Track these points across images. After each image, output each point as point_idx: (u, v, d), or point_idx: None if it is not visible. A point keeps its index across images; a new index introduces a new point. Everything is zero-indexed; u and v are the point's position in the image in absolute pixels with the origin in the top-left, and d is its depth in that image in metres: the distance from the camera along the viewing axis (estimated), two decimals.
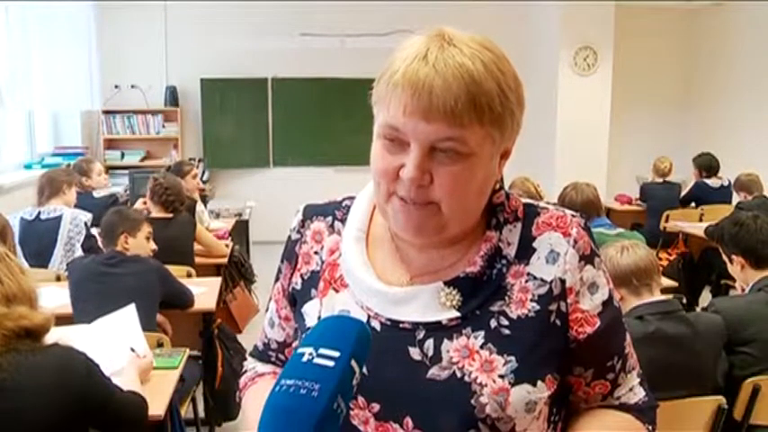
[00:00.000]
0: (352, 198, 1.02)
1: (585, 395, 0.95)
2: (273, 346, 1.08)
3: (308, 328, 0.96)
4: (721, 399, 2.31)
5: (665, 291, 2.77)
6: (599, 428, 0.92)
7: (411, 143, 0.84)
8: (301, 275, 1.01)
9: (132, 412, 1.86)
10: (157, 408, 2.09)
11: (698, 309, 5.11)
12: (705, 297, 5.46)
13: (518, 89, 0.87)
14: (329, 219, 1.02)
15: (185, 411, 2.86)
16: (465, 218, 0.89)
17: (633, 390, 0.97)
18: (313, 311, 0.97)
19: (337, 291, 0.96)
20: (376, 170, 0.88)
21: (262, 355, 1.10)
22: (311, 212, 1.04)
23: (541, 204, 0.97)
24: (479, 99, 0.81)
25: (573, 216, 0.95)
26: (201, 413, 3.22)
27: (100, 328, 2.43)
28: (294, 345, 1.06)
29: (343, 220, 1.00)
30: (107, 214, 3.21)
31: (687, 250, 5.65)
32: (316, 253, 1.01)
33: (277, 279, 1.06)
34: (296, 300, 1.02)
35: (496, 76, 0.83)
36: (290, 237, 1.05)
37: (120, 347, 2.29)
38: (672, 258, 5.63)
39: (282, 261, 1.05)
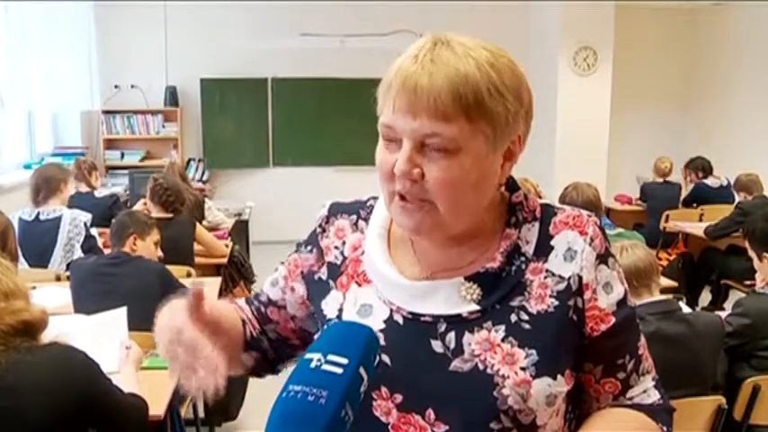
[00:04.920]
0: (376, 198, 1.04)
1: (596, 393, 0.96)
2: (263, 298, 1.11)
3: (329, 319, 0.99)
4: (721, 399, 2.31)
5: (664, 291, 2.77)
6: (611, 422, 0.93)
7: (403, 139, 0.86)
8: (323, 264, 1.04)
9: (132, 414, 1.86)
10: (157, 408, 2.08)
11: (698, 308, 5.12)
12: (705, 297, 5.46)
13: (519, 89, 0.88)
14: (353, 217, 1.05)
15: (185, 411, 2.86)
16: (463, 215, 0.90)
17: (647, 392, 0.97)
18: (333, 303, 1.00)
19: (360, 285, 0.98)
20: (378, 169, 0.91)
21: (248, 300, 1.14)
22: (336, 210, 1.07)
23: (557, 205, 0.99)
24: (464, 93, 0.83)
25: (589, 216, 0.97)
26: (201, 413, 3.22)
27: (88, 323, 2.42)
28: (281, 309, 1.09)
29: (366, 219, 1.03)
30: (119, 215, 3.23)
31: (687, 250, 5.65)
32: (336, 248, 1.03)
33: (296, 251, 1.08)
34: (310, 281, 1.04)
35: (487, 71, 0.84)
36: (314, 230, 1.07)
37: (109, 347, 2.27)
38: (672, 258, 5.63)
39: (304, 244, 1.08)
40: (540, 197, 1.01)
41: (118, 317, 2.43)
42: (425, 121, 0.83)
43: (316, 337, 1.02)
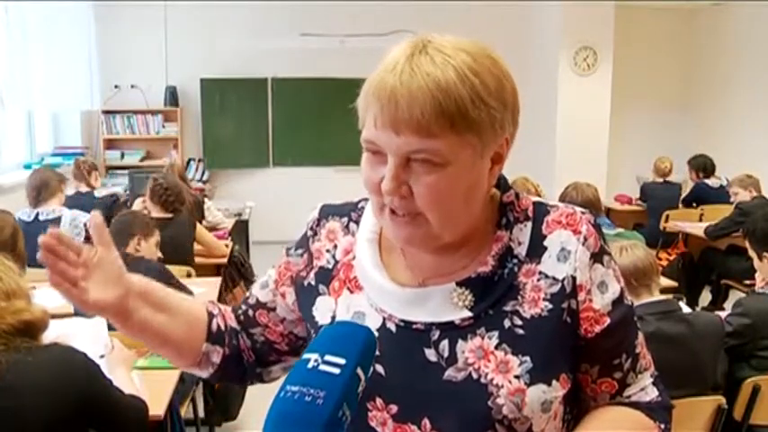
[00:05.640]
0: (367, 199, 1.01)
1: (593, 393, 0.95)
2: (251, 301, 1.08)
3: (321, 326, 0.97)
4: (721, 399, 2.31)
5: (665, 291, 2.77)
6: (605, 421, 0.92)
7: (387, 155, 0.84)
8: (311, 269, 1.02)
9: (132, 415, 1.86)
10: (157, 408, 2.08)
11: (698, 308, 5.12)
12: (705, 297, 5.46)
13: (501, 92, 0.84)
14: (344, 219, 1.02)
15: (185, 411, 2.85)
16: (456, 226, 0.88)
17: (645, 390, 0.96)
18: (325, 308, 0.98)
19: (352, 291, 0.97)
20: (364, 183, 0.89)
21: (234, 308, 1.11)
22: (327, 212, 1.05)
23: (551, 202, 0.97)
24: (448, 107, 0.80)
25: (582, 213, 0.94)
26: (201, 413, 3.22)
27: (72, 326, 2.40)
28: (270, 311, 1.06)
29: (357, 222, 1.01)
30: (120, 214, 3.23)
31: (687, 250, 5.65)
32: (328, 251, 1.01)
33: (287, 254, 1.06)
34: (300, 287, 1.03)
35: (470, 80, 0.81)
36: (305, 233, 1.05)
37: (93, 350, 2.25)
38: (672, 258, 5.63)
39: (295, 248, 1.05)
40: (539, 197, 0.99)
41: (99, 319, 2.42)
42: (409, 137, 0.81)
43: (312, 338, 1.02)
